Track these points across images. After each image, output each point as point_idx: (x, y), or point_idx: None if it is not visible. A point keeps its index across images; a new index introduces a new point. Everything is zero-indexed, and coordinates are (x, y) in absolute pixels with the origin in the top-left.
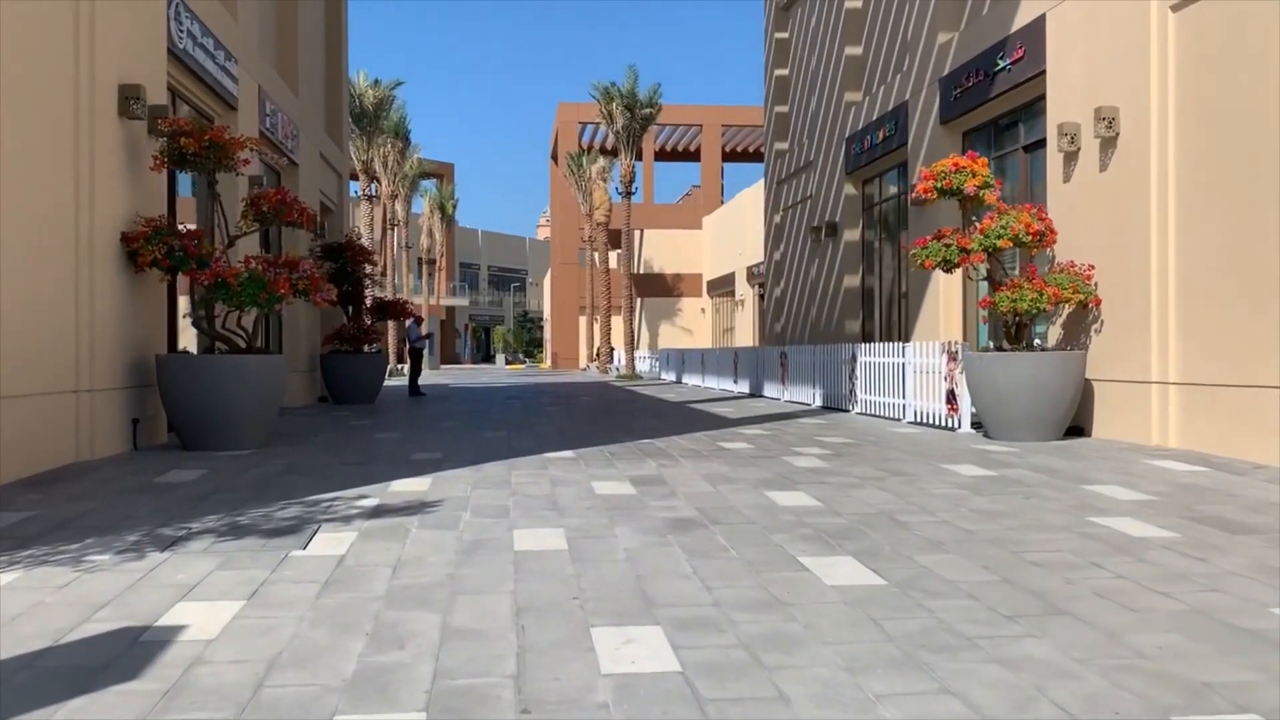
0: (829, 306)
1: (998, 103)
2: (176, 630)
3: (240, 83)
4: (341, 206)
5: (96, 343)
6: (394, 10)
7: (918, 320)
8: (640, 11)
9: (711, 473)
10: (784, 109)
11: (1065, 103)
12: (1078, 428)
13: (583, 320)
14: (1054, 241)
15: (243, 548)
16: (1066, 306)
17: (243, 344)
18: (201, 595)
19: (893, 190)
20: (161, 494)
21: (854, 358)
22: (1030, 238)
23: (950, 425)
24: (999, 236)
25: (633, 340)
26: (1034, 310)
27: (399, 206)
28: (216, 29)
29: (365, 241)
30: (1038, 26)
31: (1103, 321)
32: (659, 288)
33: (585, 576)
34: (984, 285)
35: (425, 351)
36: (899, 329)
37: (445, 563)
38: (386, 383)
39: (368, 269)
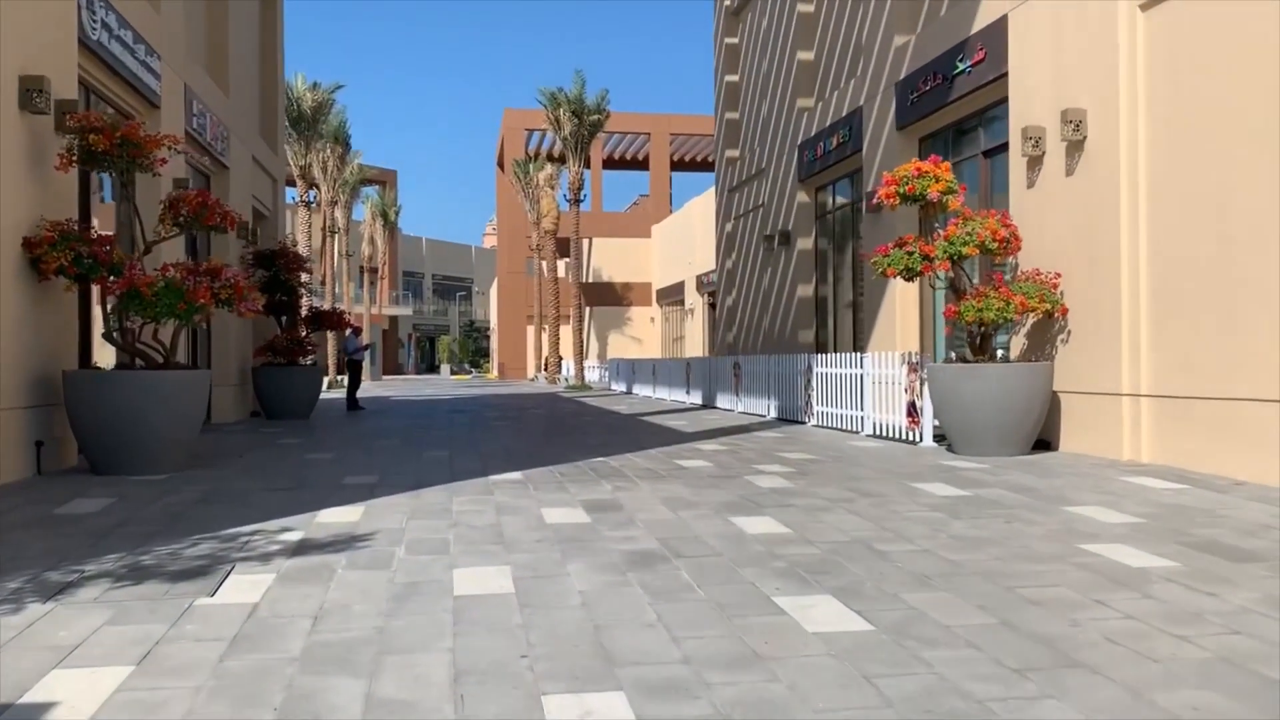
0: (782, 316)
1: (957, 106)
2: (42, 710)
3: (164, 80)
4: (276, 212)
5: None
6: (332, 11)
7: (873, 330)
8: (587, 18)
9: (671, 496)
10: (735, 115)
11: (1029, 106)
12: (1044, 441)
13: (530, 330)
14: (1018, 249)
15: (141, 595)
16: (1031, 316)
17: (160, 359)
18: (83, 659)
19: (846, 198)
20: (58, 528)
21: (810, 368)
22: (996, 245)
23: (912, 439)
24: (964, 244)
25: (582, 350)
26: (1000, 320)
27: (339, 213)
28: (136, 21)
29: (303, 249)
30: (999, 27)
31: (1070, 331)
32: (608, 297)
33: (535, 627)
34: (942, 294)
35: (365, 363)
36: (853, 339)
37: (374, 612)
38: (324, 395)
39: (304, 278)
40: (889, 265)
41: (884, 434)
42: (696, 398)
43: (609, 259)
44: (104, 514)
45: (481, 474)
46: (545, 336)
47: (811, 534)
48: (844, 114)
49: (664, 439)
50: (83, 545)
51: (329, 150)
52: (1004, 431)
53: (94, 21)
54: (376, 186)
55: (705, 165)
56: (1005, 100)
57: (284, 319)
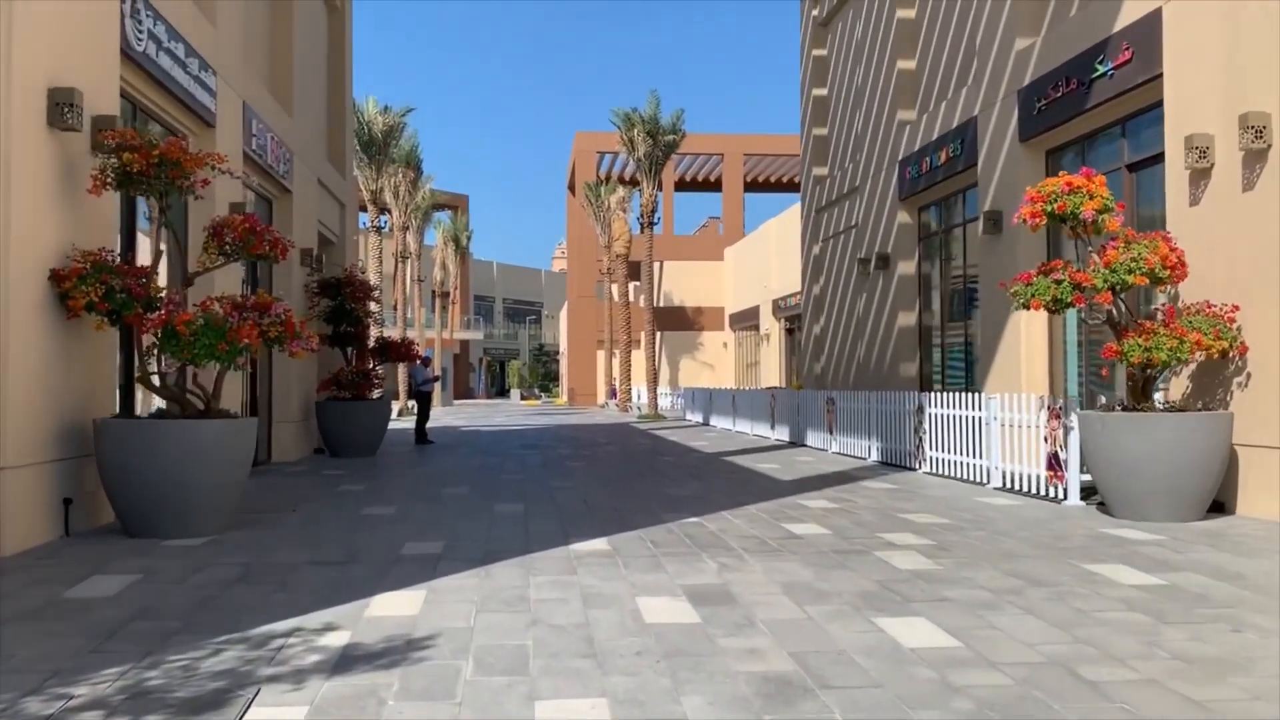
0: (879, 347)
1: (1094, 115)
2: None
3: (220, 97)
4: (345, 238)
5: (6, 407)
6: (402, 38)
7: (992, 366)
8: (659, 39)
9: (791, 580)
10: (823, 131)
11: (1191, 111)
12: (1218, 503)
13: (600, 355)
14: (1184, 276)
15: None
16: (1199, 356)
17: (201, 405)
18: None
19: (956, 218)
20: (63, 620)
21: (921, 408)
22: (1168, 272)
23: (1053, 495)
24: (1129, 271)
25: (655, 378)
26: (1172, 361)
27: (411, 238)
28: (189, 33)
29: (374, 276)
30: (1150, 24)
31: (1249, 374)
32: (679, 321)
33: None
34: (1074, 327)
35: (433, 394)
36: (966, 375)
37: None
38: (393, 424)
39: (372, 306)
40: (1033, 295)
41: (1016, 487)
42: (783, 434)
43: (680, 282)
44: (120, 599)
45: (561, 540)
46: (616, 362)
47: (988, 649)
48: (954, 126)
49: (760, 491)
50: (83, 650)
51: (400, 175)
52: (1176, 493)
53: (139, 31)
54: (448, 211)
55: (780, 186)
56: (1157, 106)
57: (350, 350)
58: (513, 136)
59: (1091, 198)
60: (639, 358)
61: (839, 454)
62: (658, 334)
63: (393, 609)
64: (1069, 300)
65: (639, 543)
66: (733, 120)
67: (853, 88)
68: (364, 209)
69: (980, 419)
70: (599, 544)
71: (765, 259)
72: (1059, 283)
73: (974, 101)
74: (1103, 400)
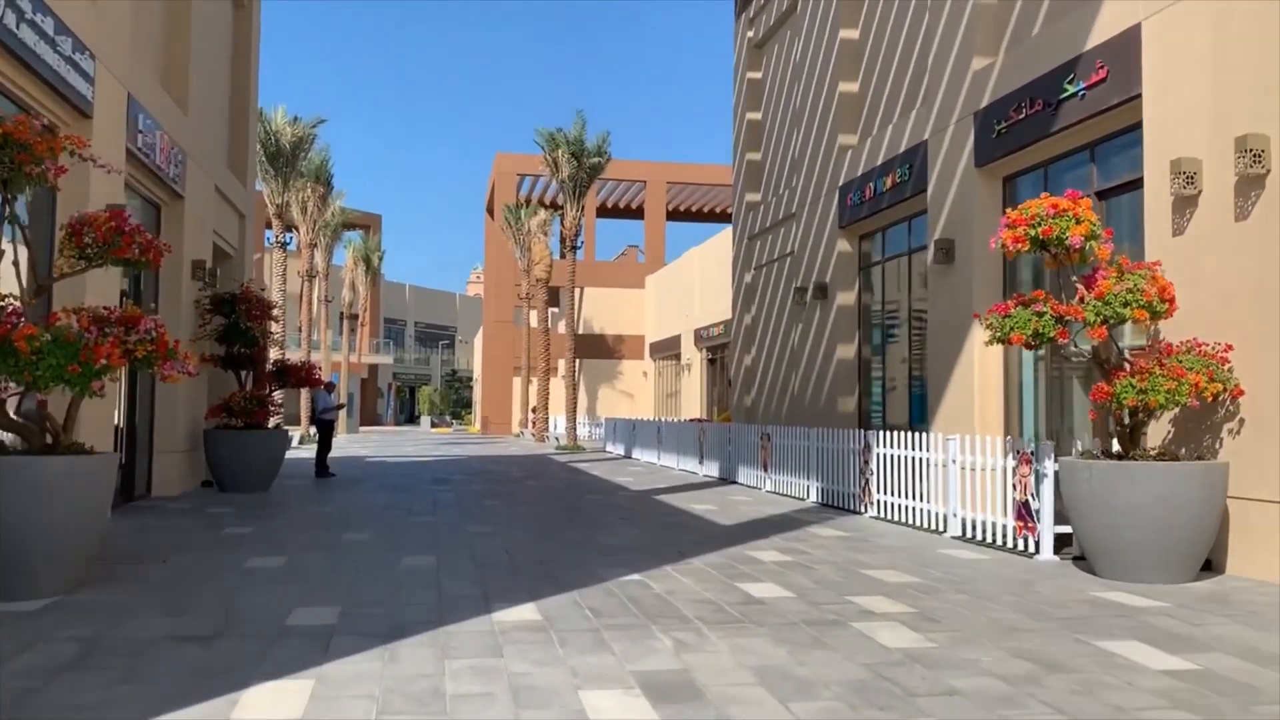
0: (816, 380)
1: (1062, 138)
2: None
3: (98, 84)
4: (244, 252)
5: None
6: (316, 50)
7: (941, 405)
8: (582, 65)
9: (764, 664)
10: (756, 156)
11: (1175, 134)
12: (1207, 560)
13: (517, 381)
14: (1173, 311)
15: None
16: (1189, 399)
17: (47, 439)
18: None
19: (901, 247)
20: None
21: (869, 448)
22: (1166, 305)
23: (1023, 548)
24: (1125, 304)
25: (575, 407)
26: (1169, 404)
27: (319, 257)
28: (60, 8)
29: (278, 294)
30: (1127, 41)
31: (1241, 420)
32: (598, 349)
33: None
34: (1031, 364)
35: (336, 423)
36: (910, 412)
37: None
38: (294, 453)
39: (273, 327)
40: (1012, 329)
41: (978, 537)
42: (712, 469)
43: (600, 310)
44: None
45: (482, 606)
46: (534, 390)
47: None
48: (901, 150)
49: (701, 538)
50: None
51: (309, 190)
52: (1170, 551)
53: None
54: (360, 231)
55: (703, 216)
56: (1134, 128)
57: (245, 374)
58: (429, 156)
59: (1079, 222)
60: (557, 386)
61: (775, 494)
62: (577, 362)
63: (268, 710)
64: (1051, 335)
65: (575, 610)
66: (656, 149)
67: (789, 111)
68: (269, 226)
69: (936, 461)
70: (528, 612)
71: (688, 288)
72: (1040, 315)
73: (924, 125)
74: (1079, 446)
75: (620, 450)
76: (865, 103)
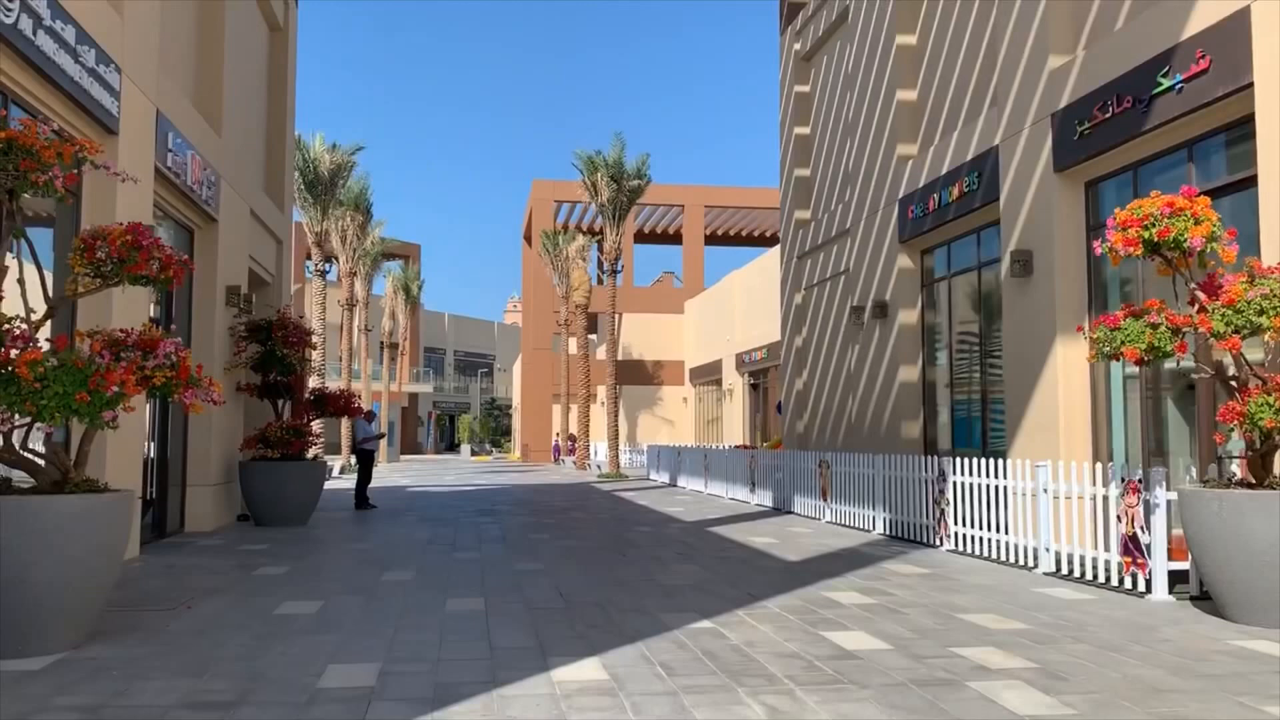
0: (876, 404)
1: (1155, 136)
2: None
3: (125, 99)
4: (281, 278)
5: None
6: (353, 82)
7: (1020, 429)
8: (620, 89)
9: None
10: (805, 172)
11: None
12: None
13: (556, 409)
14: None
15: None
16: None
17: (56, 475)
18: None
19: (969, 260)
20: None
21: (943, 475)
22: None
23: (1131, 586)
24: (1262, 312)
25: (617, 434)
26: None
27: (359, 286)
28: (83, 17)
29: (317, 324)
30: (1235, 26)
31: None
32: (637, 375)
33: None
34: (1119, 382)
35: (376, 453)
36: (984, 437)
37: None
38: (334, 483)
39: (312, 355)
40: (1125, 343)
41: (1075, 573)
42: (764, 499)
43: (639, 336)
44: None
45: (539, 661)
46: (573, 416)
47: None
48: (969, 158)
49: (769, 576)
50: None
51: (349, 218)
52: None
53: (8, 2)
54: (399, 260)
55: (741, 240)
56: (1243, 121)
57: (282, 403)
58: (467, 186)
59: (1198, 222)
60: (597, 412)
61: (836, 525)
62: (618, 388)
63: None
64: (1168, 349)
65: (644, 666)
66: (693, 173)
67: (841, 123)
68: (309, 256)
69: (1023, 490)
70: (591, 669)
71: (729, 312)
72: (1155, 327)
73: (994, 130)
74: (1191, 473)
75: (664, 478)
76: (925, 110)
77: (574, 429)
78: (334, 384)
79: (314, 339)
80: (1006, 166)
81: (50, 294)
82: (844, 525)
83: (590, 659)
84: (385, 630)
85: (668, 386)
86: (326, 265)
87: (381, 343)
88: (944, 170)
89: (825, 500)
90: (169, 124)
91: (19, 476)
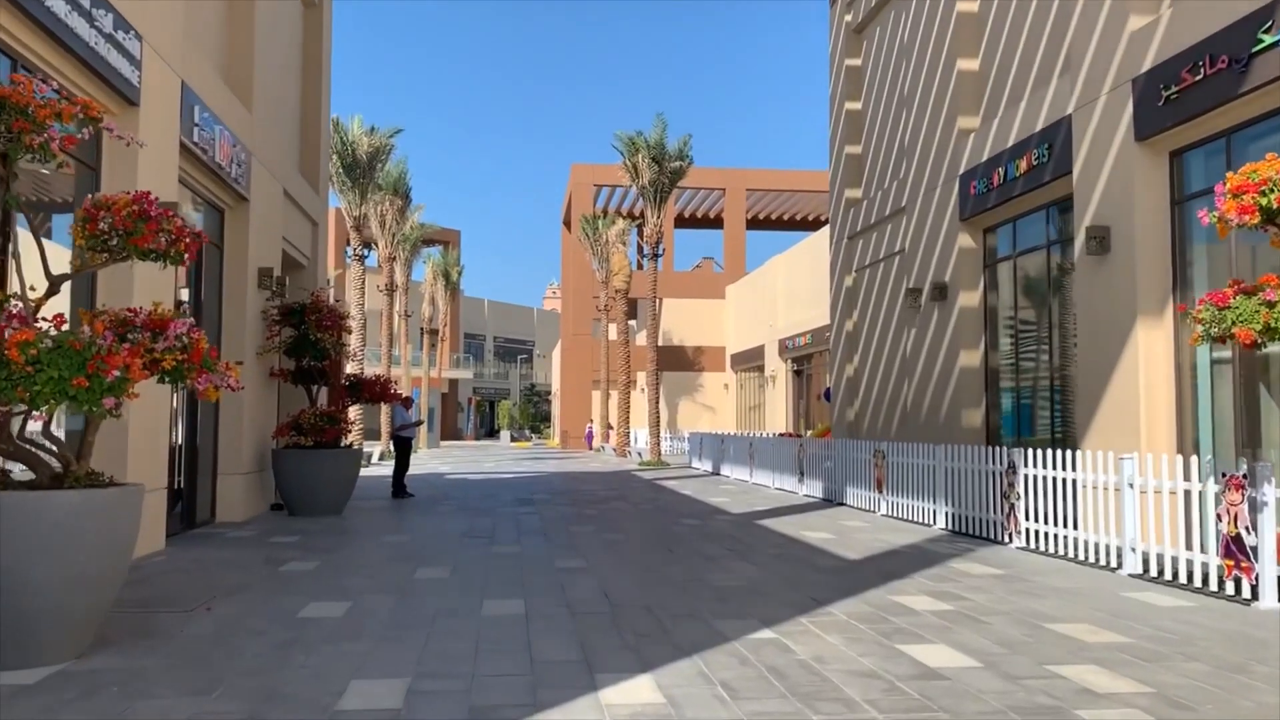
0: (934, 391)
1: (1254, 99)
2: None
3: (146, 69)
4: (316, 262)
5: None
6: (389, 67)
7: (1095, 418)
8: (662, 70)
9: None
10: (856, 149)
11: None
12: None
13: (596, 395)
14: None
15: None
16: None
17: (57, 466)
18: None
19: (1038, 239)
20: None
21: (1013, 467)
22: None
23: (1234, 591)
24: None
25: (658, 421)
26: None
27: (398, 271)
28: None
29: (356, 309)
30: None
31: None
32: (678, 361)
33: None
34: (1207, 367)
35: (415, 440)
36: (1053, 426)
37: None
38: (373, 470)
39: (348, 339)
40: (1237, 324)
41: (1165, 575)
42: (814, 489)
43: (679, 321)
44: None
45: (585, 678)
46: (614, 403)
47: None
48: (1037, 129)
49: (830, 577)
50: None
51: (387, 203)
52: None
53: None
54: (438, 247)
55: (783, 224)
56: None
57: (316, 389)
58: (504, 171)
59: None
60: (637, 399)
61: (893, 518)
62: (659, 374)
63: None
64: None
65: (704, 686)
66: (737, 155)
67: (895, 97)
68: (349, 242)
69: (1105, 485)
70: (644, 688)
71: (771, 297)
72: (1271, 305)
73: (1067, 98)
74: None
75: (707, 466)
76: (989, 81)
77: (613, 416)
78: (374, 370)
79: (350, 323)
80: (1080, 137)
81: (53, 271)
82: (901, 519)
83: (642, 676)
84: (416, 638)
85: (708, 373)
86: (365, 250)
87: (421, 329)
88: (1010, 143)
89: (880, 492)
90: (195, 97)
91: (23, 470)
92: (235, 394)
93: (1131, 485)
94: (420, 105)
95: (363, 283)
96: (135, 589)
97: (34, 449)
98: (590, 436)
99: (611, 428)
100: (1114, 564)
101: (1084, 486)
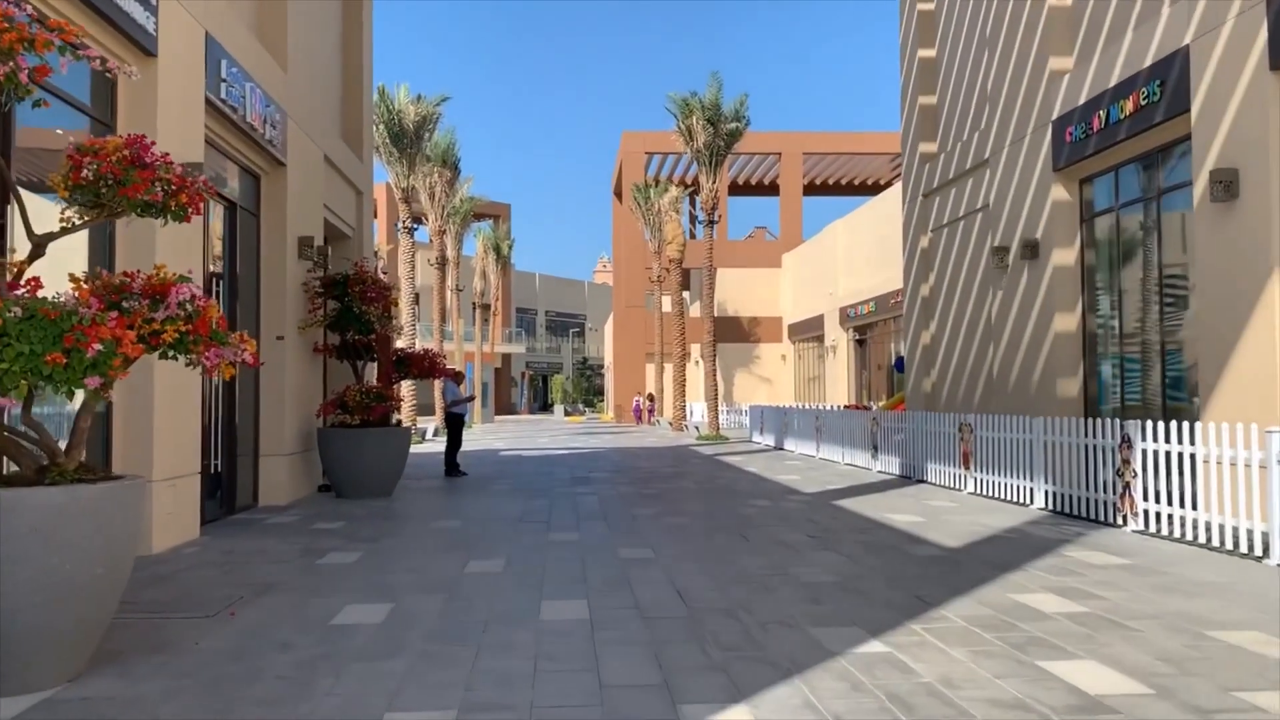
0: (1023, 359)
1: None
2: None
3: (164, 16)
4: (361, 232)
5: None
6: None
7: (1218, 385)
8: (704, 34)
9: None
10: (931, 100)
11: None
12: None
13: (650, 368)
14: None
15: None
16: None
17: (41, 459)
18: None
19: (1141, 189)
20: None
21: (1127, 441)
22: None
23: None
24: None
25: (716, 394)
26: None
27: (449, 244)
28: None
29: (405, 282)
30: None
31: None
32: (733, 332)
33: None
34: None
35: (467, 416)
36: (1163, 397)
37: None
38: (428, 446)
39: (398, 311)
40: None
41: None
42: (889, 465)
43: (734, 291)
44: None
45: (667, 709)
46: (669, 376)
47: None
48: (1146, 65)
49: (930, 569)
50: None
51: (436, 174)
52: None
53: None
54: (489, 220)
55: (841, 189)
56: None
57: (361, 365)
58: (553, 143)
59: None
60: (692, 372)
61: (982, 496)
62: (715, 346)
63: None
64: None
65: (810, 718)
66: (793, 118)
67: (974, 42)
68: (400, 219)
69: (1248, 462)
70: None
71: (831, 264)
72: None
73: (1183, 27)
74: None
75: (769, 441)
76: (1084, 16)
77: (669, 388)
78: (427, 345)
79: (396, 294)
80: (1201, 70)
81: (35, 230)
82: (992, 498)
83: (738, 707)
84: (464, 653)
85: (765, 344)
86: (415, 224)
87: (473, 303)
88: (1112, 83)
89: (967, 468)
90: (221, 50)
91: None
92: (277, 371)
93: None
94: (467, 74)
95: (413, 256)
96: (156, 588)
97: (14, 437)
98: (638, 410)
99: (653, 399)
100: (1258, 552)
101: (1216, 463)
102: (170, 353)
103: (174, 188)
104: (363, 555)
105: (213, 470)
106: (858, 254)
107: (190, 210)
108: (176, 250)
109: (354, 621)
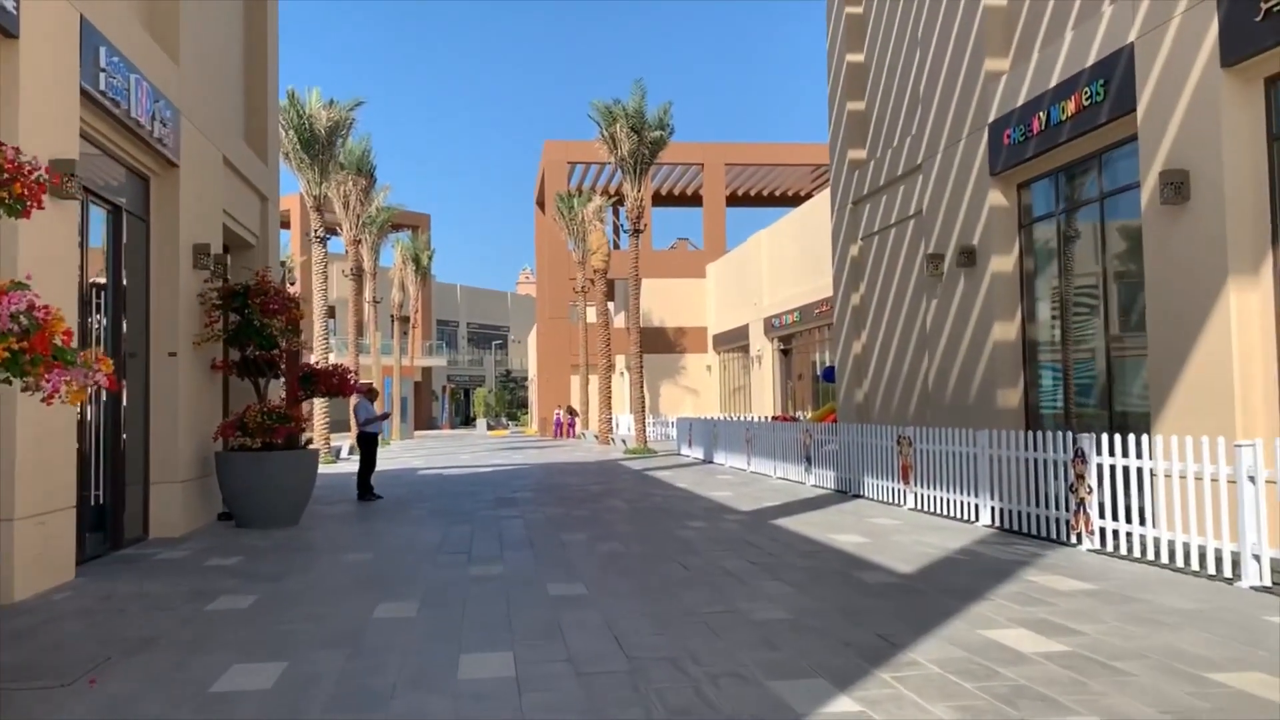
0: (961, 368)
1: None
2: None
3: None
4: (266, 240)
5: None
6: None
7: (1170, 395)
8: (624, 42)
9: None
10: (859, 105)
11: None
12: None
13: (575, 380)
14: None
15: None
16: None
17: None
18: None
19: (1088, 191)
20: None
21: (1081, 455)
22: None
23: None
24: None
25: (643, 406)
26: None
27: (365, 255)
28: None
29: (318, 295)
30: None
31: None
32: (659, 343)
33: None
34: None
35: (384, 435)
36: (1109, 407)
37: None
38: (339, 468)
39: (299, 326)
40: None
41: None
42: (824, 479)
43: (659, 302)
44: None
45: None
46: (594, 388)
47: None
48: (1089, 64)
49: (886, 598)
50: None
51: (350, 182)
52: None
53: None
54: (408, 231)
55: (764, 200)
56: None
57: (264, 382)
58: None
59: None
60: (617, 383)
61: (924, 513)
62: (641, 357)
63: None
64: None
65: None
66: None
67: (905, 45)
68: (315, 230)
69: (1215, 476)
70: None
71: (755, 274)
72: None
73: (1127, 25)
74: None
75: (698, 454)
76: (1020, 16)
77: (595, 400)
78: (343, 360)
79: (302, 307)
80: (1147, 68)
81: None
82: (935, 514)
83: None
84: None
85: (690, 354)
86: (328, 234)
87: (392, 316)
88: (1052, 83)
89: (906, 483)
90: (100, 37)
91: None
92: (169, 390)
93: (1253, 479)
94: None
95: (326, 267)
96: (8, 648)
97: None
98: (559, 424)
99: (575, 413)
100: (1227, 573)
101: (1180, 478)
102: (3, 372)
103: (6, 176)
104: (259, 599)
105: (95, 501)
106: (782, 264)
107: (30, 204)
108: (48, 258)
109: (239, 687)
